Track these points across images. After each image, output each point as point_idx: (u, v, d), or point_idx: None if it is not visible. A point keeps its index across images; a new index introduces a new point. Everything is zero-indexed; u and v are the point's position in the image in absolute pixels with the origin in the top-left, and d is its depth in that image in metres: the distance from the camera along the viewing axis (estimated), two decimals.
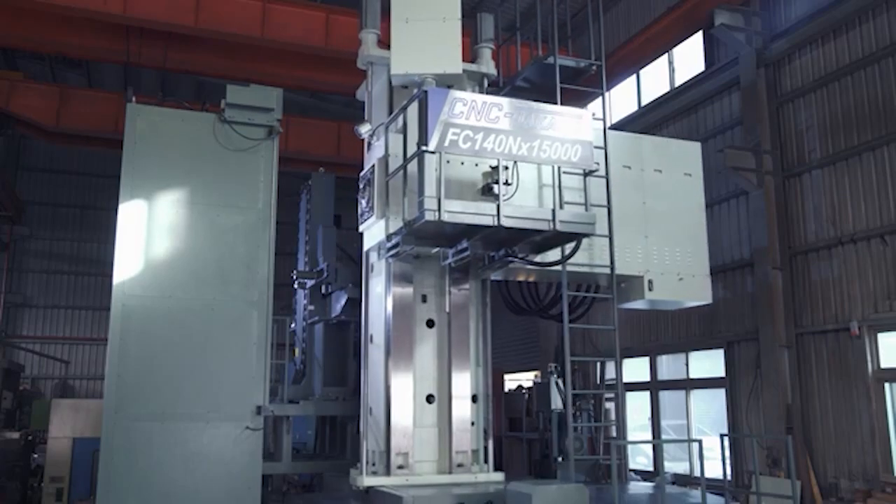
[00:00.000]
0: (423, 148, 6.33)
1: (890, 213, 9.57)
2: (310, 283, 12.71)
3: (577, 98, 9.41)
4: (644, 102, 14.48)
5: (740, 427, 11.37)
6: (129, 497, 7.78)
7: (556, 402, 12.50)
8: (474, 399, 7.65)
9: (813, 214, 10.66)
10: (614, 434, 13.13)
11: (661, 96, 13.83)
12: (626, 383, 14.24)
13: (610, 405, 14.31)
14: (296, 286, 13.32)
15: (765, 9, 11.72)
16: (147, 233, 8.43)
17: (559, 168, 7.23)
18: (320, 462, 11.92)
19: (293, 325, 13.81)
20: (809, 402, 10.44)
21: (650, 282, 8.11)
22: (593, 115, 7.39)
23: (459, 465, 7.39)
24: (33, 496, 12.55)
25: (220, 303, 8.48)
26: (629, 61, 13.57)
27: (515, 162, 6.95)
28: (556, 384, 12.69)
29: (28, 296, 22.95)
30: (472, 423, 7.55)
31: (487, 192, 6.79)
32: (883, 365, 9.63)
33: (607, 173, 7.67)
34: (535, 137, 6.70)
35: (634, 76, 14.62)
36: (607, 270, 7.71)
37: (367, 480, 7.14)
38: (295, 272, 13.18)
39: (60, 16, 12.19)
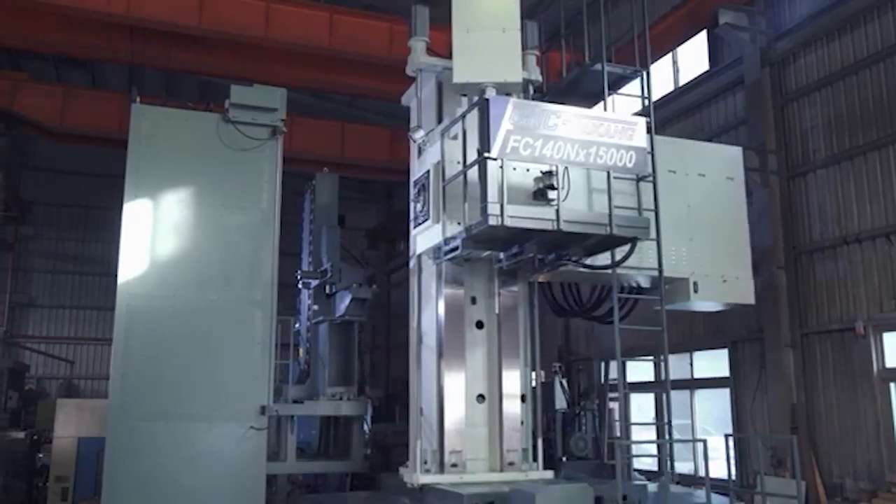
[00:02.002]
0: (486, 154, 6.52)
1: None
2: (314, 282, 12.72)
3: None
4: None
5: (745, 427, 11.34)
6: (134, 496, 7.79)
7: (560, 402, 12.48)
8: (523, 399, 7.86)
9: (818, 214, 10.63)
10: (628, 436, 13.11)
11: (665, 96, 13.80)
12: (630, 383, 14.21)
13: (614, 405, 14.29)
14: (300, 286, 13.33)
15: (769, 8, 11.69)
16: (151, 233, 8.44)
17: (611, 173, 7.34)
18: (324, 462, 11.94)
19: (297, 325, 13.82)
20: (814, 401, 10.41)
21: (695, 284, 8.40)
22: (647, 122, 7.56)
23: (510, 464, 7.62)
24: (38, 495, 12.59)
25: (224, 303, 8.49)
26: (633, 61, 13.52)
27: (566, 167, 7.05)
28: (560, 384, 12.67)
29: (33, 296, 23.01)
30: (522, 423, 7.76)
31: (540, 196, 6.91)
32: (888, 364, 9.59)
33: (654, 178, 7.80)
34: (592, 144, 6.89)
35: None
36: (655, 273, 7.88)
37: (422, 478, 7.33)
38: (299, 272, 13.19)
39: (64, 16, 12.20)
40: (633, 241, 7.23)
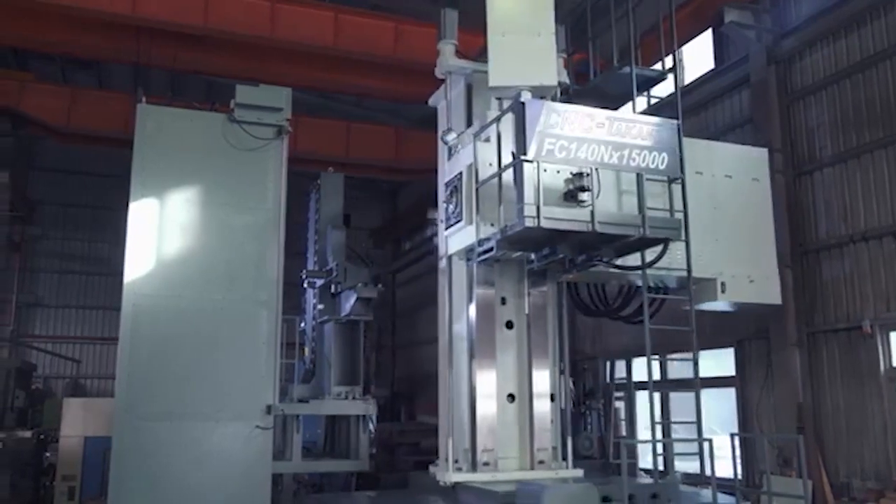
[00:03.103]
0: (522, 157, 6.63)
1: None
2: (319, 282, 12.76)
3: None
4: (653, 101, 14.37)
5: (751, 426, 11.31)
6: (140, 495, 7.82)
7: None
8: (553, 398, 7.95)
9: (824, 212, 10.59)
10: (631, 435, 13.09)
11: (671, 94, 13.75)
12: (634, 382, 14.19)
13: (619, 404, 14.28)
14: (305, 285, 13.36)
15: (775, 6, 11.64)
16: (157, 233, 8.48)
17: (643, 175, 7.42)
18: (329, 461, 11.96)
19: (303, 325, 13.86)
20: (821, 401, 10.38)
21: (723, 284, 8.57)
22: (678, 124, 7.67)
23: (541, 462, 7.72)
24: (45, 494, 12.64)
25: (230, 302, 8.52)
26: (639, 59, 13.50)
27: (596, 168, 7.14)
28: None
29: (40, 295, 23.07)
30: (552, 421, 7.86)
31: (570, 197, 6.98)
32: (895, 364, 9.56)
33: (683, 179, 7.86)
34: (625, 146, 7.02)
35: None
36: (683, 273, 7.94)
37: (454, 476, 7.42)
38: (304, 271, 13.22)
39: (69, 16, 12.22)
40: (665, 242, 7.35)
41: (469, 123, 8.39)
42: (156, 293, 8.31)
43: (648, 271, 7.80)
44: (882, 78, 9.88)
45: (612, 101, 8.59)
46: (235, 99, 8.89)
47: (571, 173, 6.98)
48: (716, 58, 12.99)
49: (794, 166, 11.08)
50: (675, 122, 7.58)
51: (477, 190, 7.33)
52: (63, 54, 16.21)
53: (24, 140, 21.55)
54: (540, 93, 7.53)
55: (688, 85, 13.53)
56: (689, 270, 7.91)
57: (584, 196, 6.85)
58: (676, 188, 7.79)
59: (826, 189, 10.60)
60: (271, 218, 8.88)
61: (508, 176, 7.01)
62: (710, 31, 12.84)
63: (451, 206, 7.67)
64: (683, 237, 7.72)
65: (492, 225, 7.21)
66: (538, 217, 6.52)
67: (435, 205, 22.37)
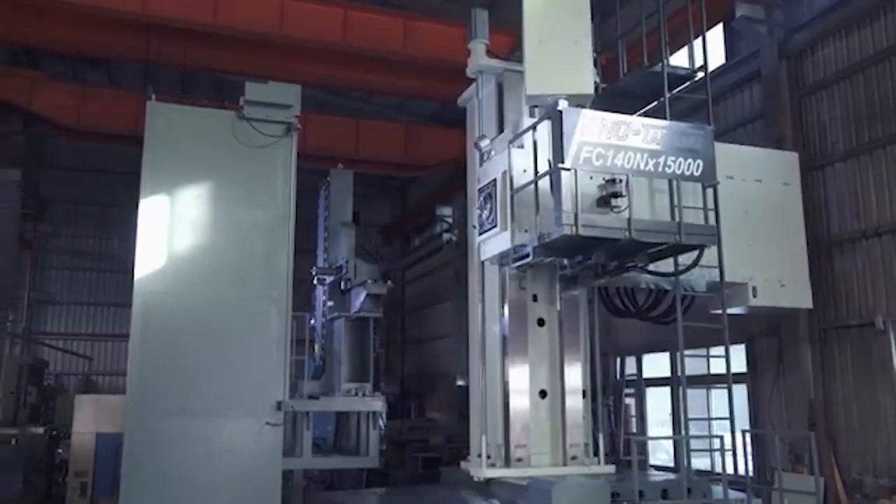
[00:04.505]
0: (560, 165, 6.65)
1: None
2: (329, 279, 12.78)
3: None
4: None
5: (762, 423, 11.26)
6: (151, 491, 7.86)
7: None
8: (584, 394, 7.97)
9: (836, 208, 10.52)
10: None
11: (682, 89, 13.68)
12: (645, 379, 14.16)
13: (630, 401, 14.25)
14: (315, 282, 13.38)
15: (786, 0, 11.57)
16: (167, 230, 8.51)
17: (679, 182, 7.47)
18: (340, 458, 11.97)
19: (312, 322, 13.88)
20: (833, 397, 10.32)
21: (754, 288, 8.70)
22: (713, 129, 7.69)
23: (573, 458, 7.73)
24: (58, 491, 12.71)
25: (240, 299, 8.55)
26: (649, 53, 13.44)
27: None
28: None
29: (51, 293, 23.22)
30: (584, 417, 7.87)
31: (604, 202, 7.04)
32: None
33: (715, 188, 7.87)
34: (661, 153, 7.04)
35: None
36: (715, 278, 8.02)
37: (488, 472, 7.44)
38: (314, 268, 13.24)
39: (79, 14, 12.28)
40: (701, 248, 7.37)
41: (500, 123, 8.39)
42: (166, 290, 8.35)
43: (683, 277, 7.88)
44: (894, 73, 9.80)
45: (640, 99, 8.79)
46: (245, 96, 8.91)
47: (604, 179, 7.03)
48: (727, 53, 12.92)
49: (806, 162, 11.00)
50: (709, 128, 7.60)
51: (512, 197, 7.34)
52: (74, 52, 16.29)
53: (35, 138, 21.65)
54: (576, 101, 7.49)
55: (698, 80, 13.44)
56: (721, 275, 7.96)
57: (618, 202, 6.93)
58: (710, 193, 7.79)
59: (838, 184, 10.52)
60: (281, 215, 8.90)
61: (543, 182, 7.05)
62: (721, 25, 12.76)
63: (485, 213, 7.69)
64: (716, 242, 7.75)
65: (526, 231, 7.23)
66: (576, 225, 6.55)
67: (444, 202, 22.43)
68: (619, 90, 8.93)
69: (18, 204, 20.33)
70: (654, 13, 9.09)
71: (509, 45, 8.72)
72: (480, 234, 7.88)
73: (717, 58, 13.25)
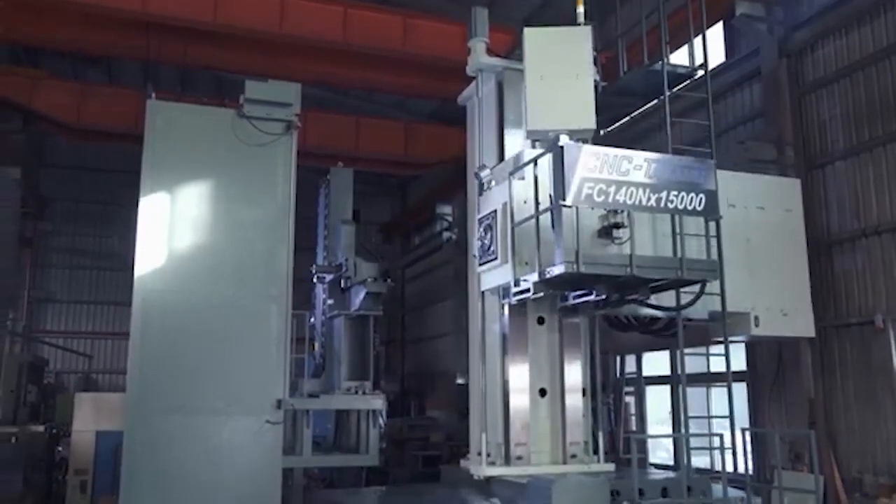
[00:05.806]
0: (561, 202, 6.63)
1: None
2: (329, 277, 12.78)
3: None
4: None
5: (762, 422, 11.27)
6: (151, 489, 7.87)
7: None
8: (584, 392, 8.01)
9: (836, 206, 10.51)
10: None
11: (682, 87, 13.67)
12: (645, 377, 14.16)
13: (629, 399, 14.25)
14: (315, 280, 13.38)
15: None
16: (167, 228, 8.51)
17: (681, 218, 7.50)
18: (339, 456, 11.97)
19: (312, 320, 13.89)
20: (832, 396, 10.32)
21: (756, 318, 8.66)
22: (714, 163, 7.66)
23: (573, 456, 7.79)
24: (58, 489, 12.72)
25: (240, 297, 8.55)
26: (649, 52, 13.44)
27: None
28: None
29: (51, 291, 23.20)
30: (584, 416, 7.92)
31: (605, 234, 7.10)
32: None
33: (718, 221, 7.88)
34: (663, 188, 7.00)
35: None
36: (717, 308, 8.03)
37: (488, 471, 7.48)
38: (314, 266, 13.24)
39: (79, 12, 12.29)
40: (703, 283, 7.39)
41: (500, 121, 8.37)
42: (166, 288, 8.35)
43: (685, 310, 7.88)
44: (894, 71, 9.79)
45: (640, 97, 8.84)
46: (245, 94, 8.91)
47: (606, 210, 7.05)
48: (726, 51, 12.91)
49: (806, 160, 11.00)
50: (711, 161, 7.59)
51: (513, 230, 7.32)
52: (74, 51, 16.28)
53: (35, 137, 21.65)
54: (578, 136, 7.49)
55: (697, 79, 13.43)
56: (723, 308, 7.98)
57: (619, 233, 6.97)
58: (711, 226, 7.82)
59: (838, 183, 10.51)
60: (281, 213, 8.90)
61: (544, 216, 7.03)
62: (720, 24, 12.75)
63: (486, 244, 7.69)
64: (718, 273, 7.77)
65: (527, 264, 7.22)
66: (577, 262, 6.54)
67: (444, 200, 22.37)
68: (620, 88, 8.92)
69: (18, 202, 20.29)
70: (655, 11, 9.06)
71: (509, 44, 8.74)
72: (481, 264, 7.85)
73: (717, 56, 13.25)
